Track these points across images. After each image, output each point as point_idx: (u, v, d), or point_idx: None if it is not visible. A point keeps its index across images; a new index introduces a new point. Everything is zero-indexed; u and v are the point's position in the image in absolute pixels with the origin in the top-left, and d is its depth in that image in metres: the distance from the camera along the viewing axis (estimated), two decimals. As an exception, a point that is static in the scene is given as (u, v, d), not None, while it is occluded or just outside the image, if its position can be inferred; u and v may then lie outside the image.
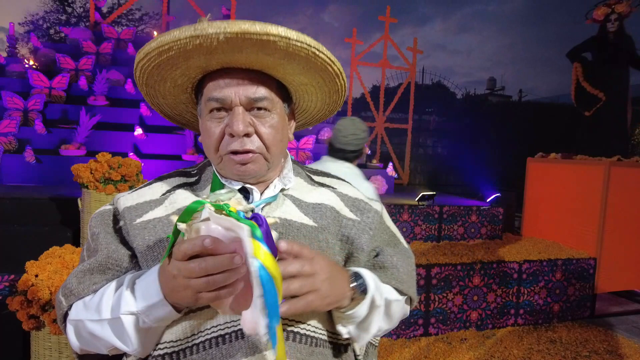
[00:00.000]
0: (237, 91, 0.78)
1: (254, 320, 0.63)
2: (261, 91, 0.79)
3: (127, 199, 0.88)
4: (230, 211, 0.65)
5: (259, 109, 0.80)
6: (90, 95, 5.29)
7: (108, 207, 0.90)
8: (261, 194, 0.87)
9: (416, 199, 4.87)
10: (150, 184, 0.93)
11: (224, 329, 0.77)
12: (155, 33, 7.32)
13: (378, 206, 0.98)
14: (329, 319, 0.86)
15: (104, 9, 8.63)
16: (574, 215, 4.83)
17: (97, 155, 2.94)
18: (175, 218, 0.66)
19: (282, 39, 0.71)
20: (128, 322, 0.73)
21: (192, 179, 0.92)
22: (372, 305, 0.83)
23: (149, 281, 0.72)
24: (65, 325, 0.85)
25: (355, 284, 0.79)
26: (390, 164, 6.30)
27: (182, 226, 0.64)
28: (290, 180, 0.91)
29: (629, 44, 5.24)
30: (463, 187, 9.50)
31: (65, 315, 0.84)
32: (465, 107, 13.50)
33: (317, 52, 0.76)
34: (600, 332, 4.02)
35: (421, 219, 4.65)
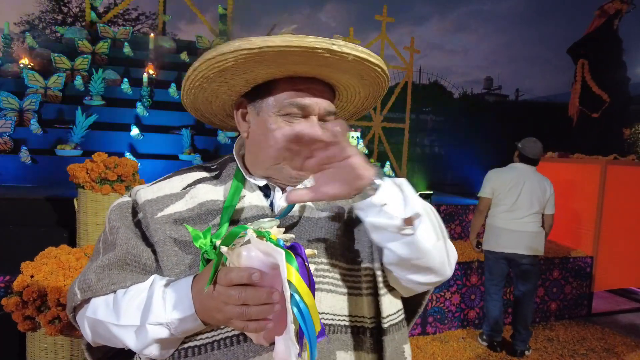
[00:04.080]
0: (318, 102, 0.83)
1: (286, 350, 0.64)
2: (333, 105, 0.86)
3: (146, 192, 0.88)
4: (270, 238, 0.68)
5: (325, 120, 0.84)
6: (86, 95, 5.26)
7: (126, 198, 0.90)
8: (283, 191, 0.89)
9: (413, 198, 4.87)
10: (169, 177, 0.93)
11: None
12: (152, 34, 7.30)
13: None
14: (344, 304, 0.84)
15: (100, 9, 8.58)
16: (571, 213, 4.84)
17: (93, 155, 2.92)
18: (218, 242, 0.68)
19: (381, 70, 0.81)
20: (153, 331, 0.74)
21: (213, 174, 0.93)
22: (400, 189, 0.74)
23: (181, 294, 0.73)
24: (74, 315, 0.86)
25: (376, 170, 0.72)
26: (388, 163, 6.30)
27: (224, 249, 0.67)
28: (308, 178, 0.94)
29: (620, 44, 5.27)
30: (460, 186, 9.50)
31: (76, 307, 0.85)
32: (463, 106, 13.50)
33: (383, 74, 0.84)
34: (597, 330, 4.03)
35: (418, 218, 4.64)
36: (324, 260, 0.85)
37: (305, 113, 0.82)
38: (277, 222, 0.72)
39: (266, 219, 0.72)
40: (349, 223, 0.90)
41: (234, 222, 0.82)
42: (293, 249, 0.68)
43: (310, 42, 0.72)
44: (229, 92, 0.90)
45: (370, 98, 0.96)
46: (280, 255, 0.63)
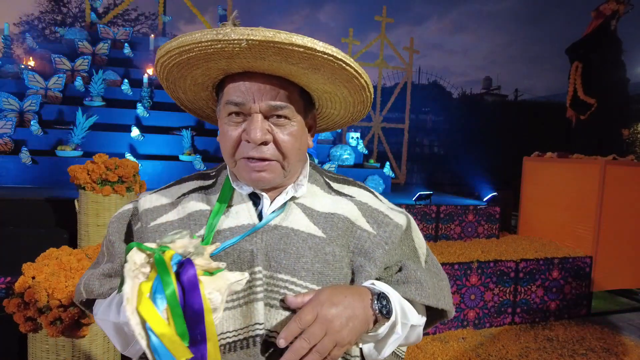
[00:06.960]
0: (257, 97, 0.76)
1: None
2: (282, 99, 0.77)
3: (146, 201, 0.90)
4: (160, 256, 0.63)
5: (279, 116, 0.77)
6: (86, 96, 5.27)
7: (130, 206, 0.93)
8: (272, 201, 0.85)
9: (413, 199, 4.88)
10: (171, 185, 0.94)
11: (231, 338, 0.76)
12: (152, 34, 7.30)
13: (401, 219, 0.91)
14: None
15: (100, 10, 8.59)
16: (570, 214, 4.85)
17: (93, 157, 2.93)
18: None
19: (308, 49, 0.68)
20: (116, 327, 0.80)
21: (209, 182, 0.91)
22: (391, 331, 0.79)
23: None
24: (81, 301, 0.93)
25: (379, 305, 0.75)
26: (387, 163, 6.31)
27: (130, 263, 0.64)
28: (301, 187, 0.87)
29: (619, 45, 5.28)
30: (460, 186, 9.52)
31: (81, 303, 0.92)
32: (462, 106, 13.52)
33: (344, 65, 0.73)
34: (597, 330, 4.04)
35: (418, 219, 4.66)
36: (296, 280, 0.78)
37: (244, 111, 0.77)
38: (186, 232, 0.68)
39: (176, 231, 0.68)
40: (341, 242, 0.84)
41: (218, 232, 0.80)
42: (182, 269, 0.62)
43: (196, 37, 0.69)
44: (205, 100, 0.91)
45: (353, 96, 0.84)
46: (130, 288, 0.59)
